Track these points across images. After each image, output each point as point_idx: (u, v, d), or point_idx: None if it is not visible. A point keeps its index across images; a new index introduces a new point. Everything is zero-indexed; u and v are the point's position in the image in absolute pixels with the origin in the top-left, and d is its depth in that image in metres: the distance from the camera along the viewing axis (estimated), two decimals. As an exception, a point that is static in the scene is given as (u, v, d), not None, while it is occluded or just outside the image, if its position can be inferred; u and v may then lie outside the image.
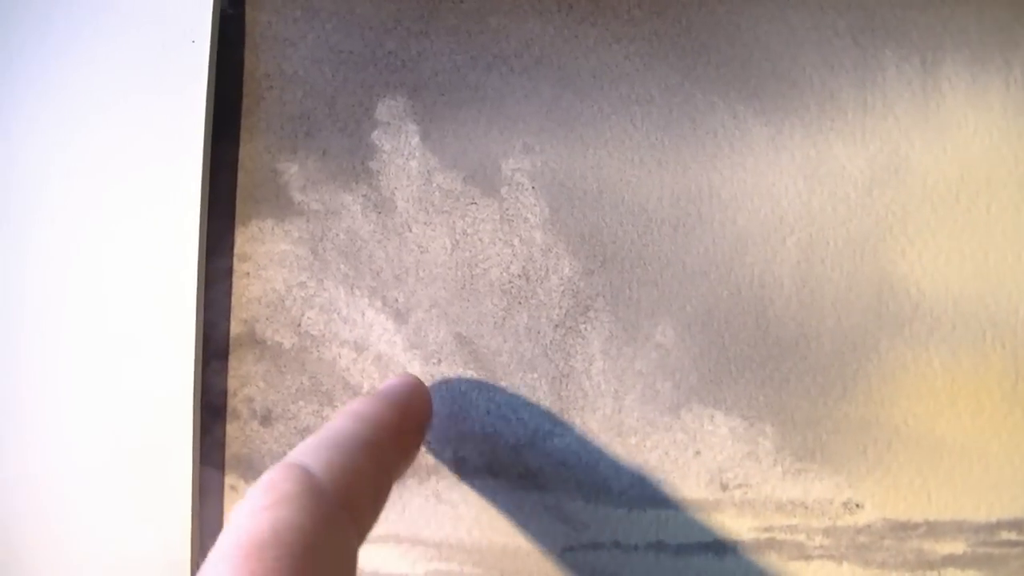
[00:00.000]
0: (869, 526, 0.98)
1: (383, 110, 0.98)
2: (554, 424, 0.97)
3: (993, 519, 0.98)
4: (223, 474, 0.96)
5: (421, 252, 0.97)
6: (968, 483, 0.97)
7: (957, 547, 0.98)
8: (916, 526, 0.98)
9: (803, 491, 0.98)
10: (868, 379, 0.97)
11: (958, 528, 0.98)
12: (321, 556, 0.59)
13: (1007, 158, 0.97)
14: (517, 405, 0.98)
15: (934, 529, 0.98)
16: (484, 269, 0.99)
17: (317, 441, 0.70)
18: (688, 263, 0.97)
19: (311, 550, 0.58)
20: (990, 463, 0.97)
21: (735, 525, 0.98)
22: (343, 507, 0.64)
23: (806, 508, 0.98)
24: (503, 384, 0.98)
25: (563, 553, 0.99)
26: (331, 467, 0.65)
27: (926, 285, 0.97)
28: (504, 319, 0.97)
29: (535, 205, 0.99)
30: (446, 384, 0.97)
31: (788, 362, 0.97)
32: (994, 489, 0.97)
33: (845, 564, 0.98)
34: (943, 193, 0.96)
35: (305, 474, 0.63)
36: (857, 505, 0.97)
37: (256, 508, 0.59)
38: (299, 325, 0.97)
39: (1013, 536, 0.99)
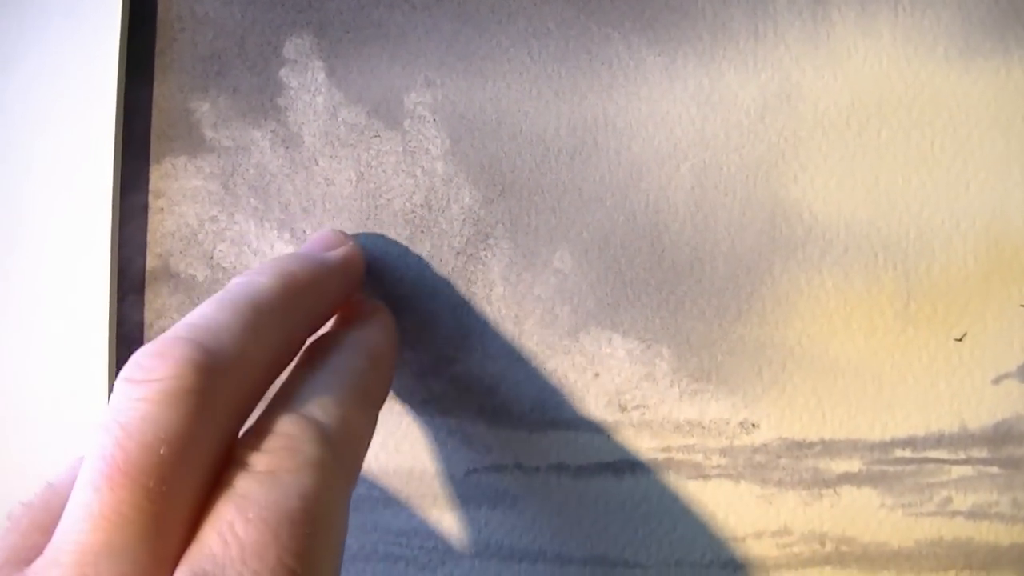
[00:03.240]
0: (765, 445, 0.98)
1: (290, 48, 1.00)
2: (456, 350, 0.98)
3: (887, 437, 0.98)
4: (143, 406, 1.00)
5: (327, 185, 0.99)
6: (862, 402, 0.97)
7: (852, 465, 0.98)
8: (812, 445, 0.98)
9: (700, 412, 0.97)
10: (762, 301, 0.97)
11: (853, 447, 0.97)
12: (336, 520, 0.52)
13: (897, 84, 0.97)
14: (420, 332, 0.98)
15: (829, 448, 0.98)
16: (388, 200, 1.01)
17: (325, 382, 0.64)
18: (585, 190, 0.98)
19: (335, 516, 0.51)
20: (883, 382, 0.97)
21: (634, 446, 0.98)
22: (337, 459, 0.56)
23: (703, 428, 0.98)
24: (407, 312, 0.99)
25: (467, 475, 0.99)
26: (341, 422, 0.58)
27: (818, 209, 0.97)
28: (407, 248, 0.98)
29: (436, 137, 1.00)
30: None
31: (683, 285, 0.97)
32: (888, 408, 0.97)
33: (742, 483, 0.97)
34: (834, 119, 0.97)
35: (320, 431, 0.54)
36: (753, 425, 0.97)
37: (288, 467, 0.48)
38: (211, 258, 0.99)
39: (907, 454, 0.98)
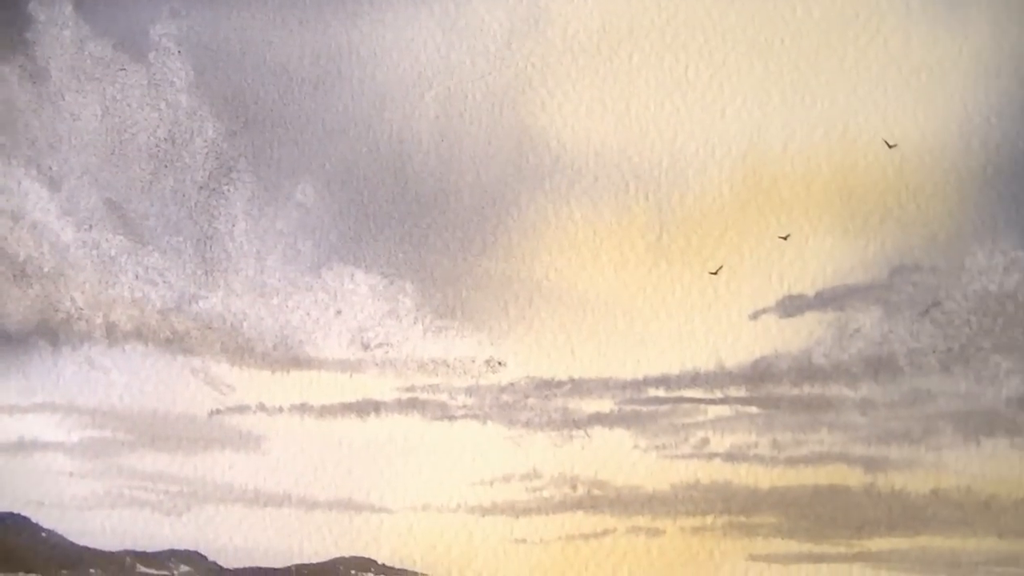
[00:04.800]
0: (512, 384, 0.93)
1: (39, -19, 0.98)
2: (199, 287, 0.94)
3: (640, 376, 0.92)
4: None
5: (73, 120, 0.96)
6: (613, 339, 0.92)
7: (604, 405, 0.93)
8: (561, 384, 0.93)
9: (444, 349, 0.93)
10: (508, 234, 0.93)
11: (604, 385, 0.92)
12: None
13: (650, 7, 0.93)
14: (164, 269, 0.95)
15: (579, 387, 0.92)
16: (132, 134, 0.97)
17: None
18: (328, 121, 0.94)
19: None
20: (635, 318, 0.92)
21: (377, 385, 0.93)
22: None
23: (448, 367, 0.93)
24: (150, 248, 0.95)
25: (210, 416, 0.95)
26: None
27: (567, 137, 0.92)
28: (151, 183, 0.95)
29: (181, 69, 0.97)
30: (96, 250, 0.94)
31: (427, 218, 0.93)
32: (640, 345, 0.92)
33: (489, 424, 0.92)
34: (584, 43, 0.92)
35: None
36: (500, 363, 0.92)
37: None
38: (-43, 196, 0.96)
39: (661, 393, 0.93)
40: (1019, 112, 0.92)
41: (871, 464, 0.92)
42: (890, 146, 0.93)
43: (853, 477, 0.93)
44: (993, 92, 0.91)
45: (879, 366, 0.93)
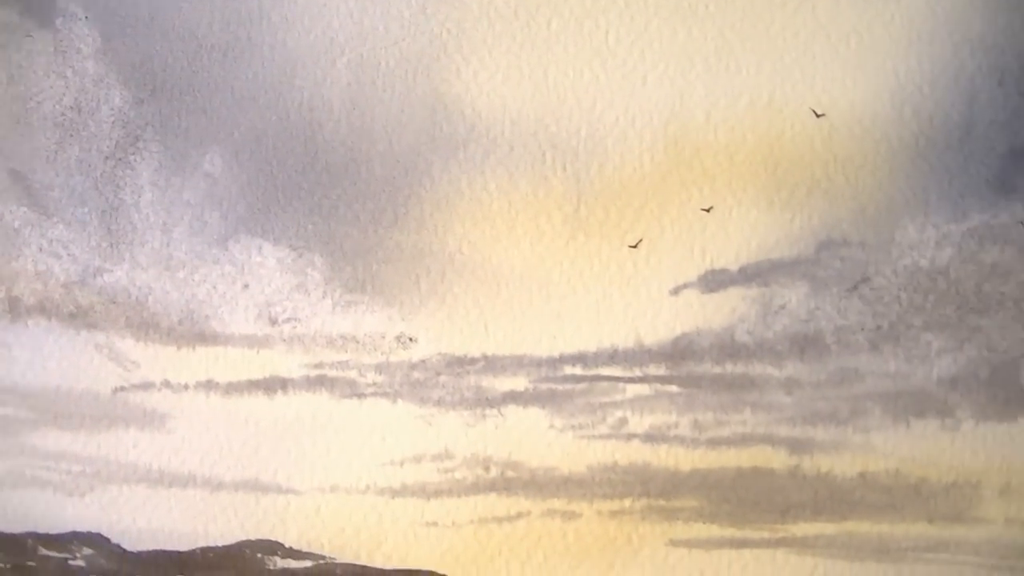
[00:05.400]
0: (424, 361, 0.89)
1: (-58, -54, 0.94)
2: (104, 259, 0.90)
3: (556, 353, 0.88)
4: None
5: (-23, 88, 0.92)
6: (528, 315, 0.88)
7: (518, 383, 0.88)
8: (474, 361, 0.88)
9: (354, 324, 0.89)
10: (421, 205, 0.89)
11: (518, 363, 0.88)
12: None
13: (569, -30, 0.89)
14: (68, 241, 0.90)
15: (493, 364, 0.88)
16: (37, 103, 0.93)
17: None
18: (237, 88, 0.90)
19: None
20: (551, 293, 0.88)
21: (285, 362, 0.89)
22: None
23: (357, 343, 0.89)
24: (55, 219, 0.92)
25: (114, 394, 0.90)
26: None
27: (482, 105, 0.88)
28: (56, 153, 0.90)
29: (88, 35, 0.92)
30: (-1, 222, 0.90)
31: (338, 188, 0.89)
32: (556, 321, 0.88)
33: (400, 402, 0.88)
34: (501, 8, 0.88)
35: None
36: (411, 339, 0.88)
37: None
38: None
39: (578, 371, 0.89)
40: (953, 81, 0.88)
41: (796, 446, 0.85)
42: (818, 115, 0.87)
43: (777, 459, 0.85)
44: (926, 59, 0.87)
45: (805, 344, 0.85)
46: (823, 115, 0.85)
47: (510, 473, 0.86)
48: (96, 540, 0.89)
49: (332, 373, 0.86)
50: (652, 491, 0.86)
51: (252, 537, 0.88)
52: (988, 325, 0.85)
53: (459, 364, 0.86)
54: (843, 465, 0.85)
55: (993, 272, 0.85)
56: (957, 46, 0.84)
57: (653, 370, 0.85)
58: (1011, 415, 0.85)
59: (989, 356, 0.85)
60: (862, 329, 0.86)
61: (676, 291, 0.85)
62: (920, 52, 0.84)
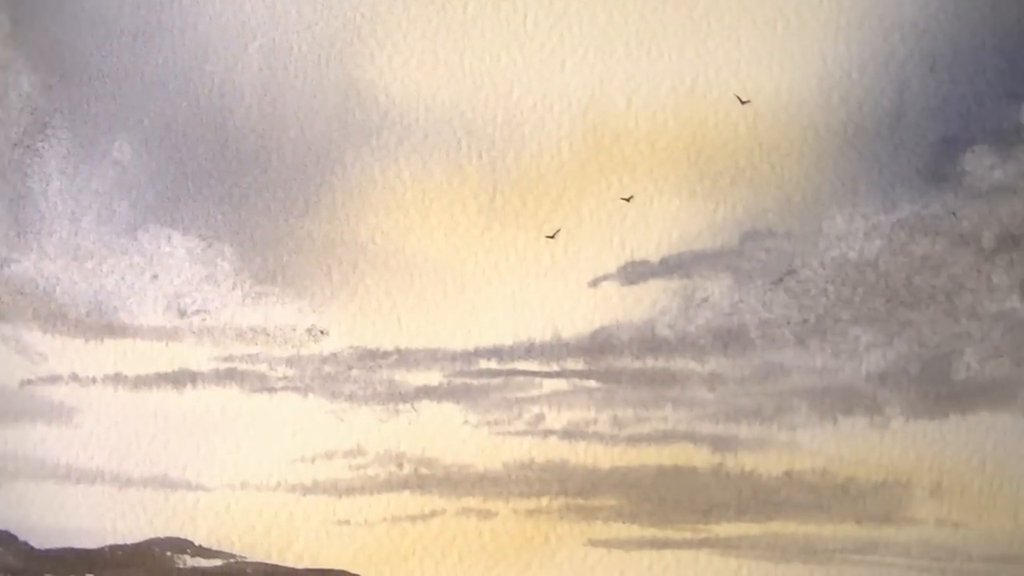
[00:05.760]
0: (335, 355, 0.86)
1: None
2: (11, 249, 0.87)
3: (471, 347, 0.85)
4: None
5: None
6: (442, 307, 0.85)
7: (432, 377, 0.85)
8: (386, 354, 0.85)
9: (264, 316, 0.86)
10: (333, 194, 0.86)
11: (432, 357, 0.85)
12: None
13: (487, -51, 0.85)
14: None
15: (406, 358, 0.85)
16: None
17: None
18: (147, 74, 0.87)
19: None
20: (466, 285, 0.85)
21: (194, 354, 0.86)
22: None
23: (268, 335, 0.86)
24: (-40, 210, 0.88)
25: (21, 387, 0.87)
26: None
27: (396, 91, 0.85)
28: (-40, 141, 0.88)
29: None
30: None
31: (248, 177, 0.85)
32: (471, 313, 0.85)
33: (311, 396, 0.85)
34: (417, -10, 0.85)
35: None
36: (322, 331, 0.85)
37: None
38: None
39: (493, 365, 0.85)
40: (882, 67, 0.84)
41: (719, 443, 0.82)
42: (743, 102, 0.80)
43: (700, 457, 0.81)
44: (855, 44, 0.83)
45: (728, 338, 0.81)
46: (748, 101, 0.82)
47: (424, 470, 0.83)
48: (3, 538, 0.86)
49: (242, 366, 0.83)
50: (570, 489, 0.82)
51: (161, 535, 0.85)
52: (918, 319, 0.81)
53: (371, 358, 0.83)
54: (768, 464, 0.82)
55: (924, 264, 0.81)
56: (888, 31, 0.80)
57: (571, 364, 0.82)
58: (942, 412, 0.81)
59: (919, 351, 0.81)
60: (788, 323, 0.82)
61: (595, 283, 0.82)
62: (849, 37, 0.80)
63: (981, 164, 0.75)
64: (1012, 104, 0.75)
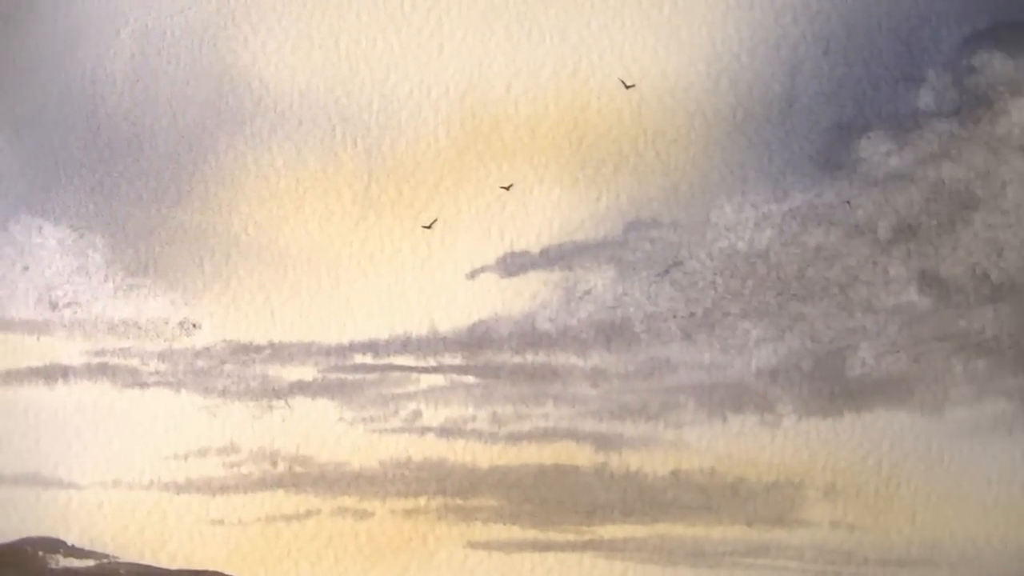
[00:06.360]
0: (208, 349, 0.82)
1: None
2: None
3: (345, 341, 0.81)
4: None
5: None
6: (317, 299, 0.81)
7: (306, 372, 0.81)
8: (260, 349, 0.81)
9: (136, 309, 0.82)
10: (205, 183, 0.82)
11: (306, 351, 0.81)
12: None
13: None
14: None
15: (280, 352, 0.81)
16: None
17: None
18: (19, 60, 0.83)
19: None
20: (341, 276, 0.81)
21: (65, 349, 0.82)
22: None
23: (140, 329, 0.82)
24: None
25: None
26: None
27: (270, 77, 0.81)
28: None
29: None
30: None
31: (120, 166, 0.82)
32: (346, 306, 0.80)
33: (183, 392, 0.81)
34: (290, -28, 0.81)
35: None
36: (194, 325, 0.82)
37: None
38: None
39: (368, 359, 0.82)
40: (774, 49, 0.79)
41: (603, 442, 0.77)
42: (627, 86, 0.73)
43: (583, 456, 0.76)
44: (745, 27, 0.78)
45: (612, 332, 0.76)
46: (632, 86, 0.77)
47: (298, 468, 0.79)
48: None
49: (114, 361, 0.79)
50: (449, 489, 0.78)
51: (33, 534, 0.81)
52: (811, 313, 0.77)
53: (244, 352, 0.79)
54: (654, 463, 0.77)
55: (817, 256, 0.76)
56: (779, 12, 0.75)
57: (448, 359, 0.78)
58: (836, 410, 0.76)
59: (812, 346, 0.76)
60: (674, 316, 0.78)
61: (473, 275, 0.77)
62: (739, 18, 0.75)
63: (877, 151, 0.71)
64: (909, 88, 0.70)
